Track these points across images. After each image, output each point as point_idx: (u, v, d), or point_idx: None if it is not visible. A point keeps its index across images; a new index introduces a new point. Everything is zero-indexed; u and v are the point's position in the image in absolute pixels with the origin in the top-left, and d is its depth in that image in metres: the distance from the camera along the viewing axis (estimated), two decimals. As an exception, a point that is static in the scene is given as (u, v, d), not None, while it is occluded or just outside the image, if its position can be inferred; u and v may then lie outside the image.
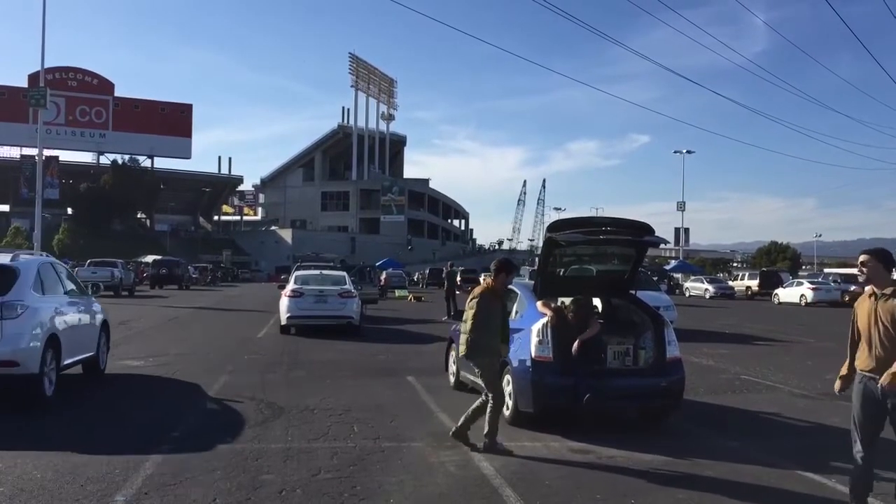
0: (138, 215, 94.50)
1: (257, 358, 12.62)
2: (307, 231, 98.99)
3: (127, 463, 5.78)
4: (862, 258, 4.73)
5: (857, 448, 4.70)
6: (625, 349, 7.56)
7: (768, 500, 5.37)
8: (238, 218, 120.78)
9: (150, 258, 53.66)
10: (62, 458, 5.89)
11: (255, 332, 17.57)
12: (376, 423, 7.46)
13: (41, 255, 10.17)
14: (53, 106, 68.45)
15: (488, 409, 6.43)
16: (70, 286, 9.78)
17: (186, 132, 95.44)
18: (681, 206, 67.82)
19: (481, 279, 44.95)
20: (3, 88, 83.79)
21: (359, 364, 12.19)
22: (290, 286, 17.85)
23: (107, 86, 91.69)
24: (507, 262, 6.90)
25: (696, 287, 46.60)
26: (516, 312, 8.05)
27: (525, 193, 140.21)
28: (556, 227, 7.72)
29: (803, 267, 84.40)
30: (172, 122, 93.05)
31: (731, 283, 50.06)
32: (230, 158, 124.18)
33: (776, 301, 39.67)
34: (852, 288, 38.85)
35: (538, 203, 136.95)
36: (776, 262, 78.79)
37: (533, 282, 7.96)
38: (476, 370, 6.68)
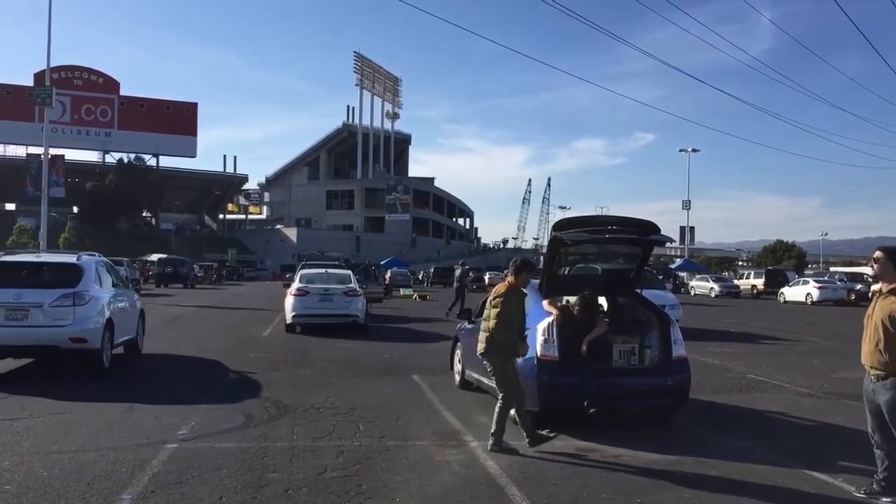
0: (143, 214, 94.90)
1: (263, 356, 12.64)
2: (312, 230, 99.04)
3: (133, 461, 5.80)
4: (875, 254, 4.91)
5: (874, 443, 5.01)
6: (631, 348, 7.56)
7: (774, 499, 5.35)
8: (243, 217, 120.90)
9: (155, 257, 53.92)
10: (69, 457, 5.92)
11: (261, 330, 17.59)
12: (382, 422, 7.47)
13: (94, 255, 11.50)
14: (59, 105, 68.82)
15: (497, 408, 6.45)
16: (116, 280, 11.64)
17: (192, 131, 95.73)
18: (686, 205, 67.80)
19: (485, 278, 45.24)
20: (9, 87, 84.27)
21: (364, 363, 12.20)
22: (296, 285, 17.89)
23: (112, 84, 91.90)
24: (528, 261, 6.92)
25: (702, 286, 46.48)
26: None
27: (530, 192, 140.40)
28: (561, 225, 7.70)
29: (809, 266, 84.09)
30: (178, 120, 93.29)
31: (736, 281, 50.02)
32: (235, 157, 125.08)
33: (782, 300, 39.57)
34: (858, 287, 38.84)
35: (543, 201, 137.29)
36: (782, 260, 78.61)
37: (538, 280, 7.95)
38: (488, 368, 6.68)
